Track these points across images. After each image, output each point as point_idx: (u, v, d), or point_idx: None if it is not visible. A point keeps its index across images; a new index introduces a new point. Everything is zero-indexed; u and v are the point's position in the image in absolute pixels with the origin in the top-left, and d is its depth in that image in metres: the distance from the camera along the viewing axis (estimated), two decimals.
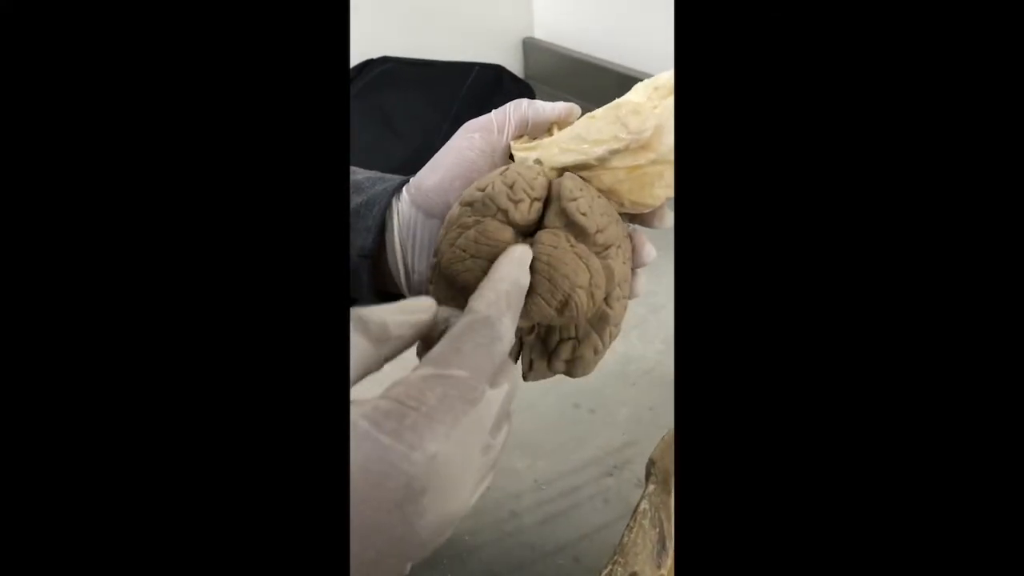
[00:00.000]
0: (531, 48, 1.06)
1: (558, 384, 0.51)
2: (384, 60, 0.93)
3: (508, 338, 0.27)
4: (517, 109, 0.37)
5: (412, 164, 0.84)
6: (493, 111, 0.38)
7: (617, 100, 0.36)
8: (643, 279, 0.37)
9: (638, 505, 0.36)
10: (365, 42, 0.92)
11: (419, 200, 0.38)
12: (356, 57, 0.92)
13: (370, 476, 0.23)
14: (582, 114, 0.39)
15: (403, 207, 0.39)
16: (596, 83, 0.98)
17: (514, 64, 1.05)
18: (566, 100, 0.39)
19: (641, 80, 0.38)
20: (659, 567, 0.35)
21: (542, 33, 1.07)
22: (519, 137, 0.37)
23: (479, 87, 0.91)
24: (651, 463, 0.39)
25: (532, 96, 0.92)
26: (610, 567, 0.35)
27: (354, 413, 0.24)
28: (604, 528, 0.46)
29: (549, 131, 0.38)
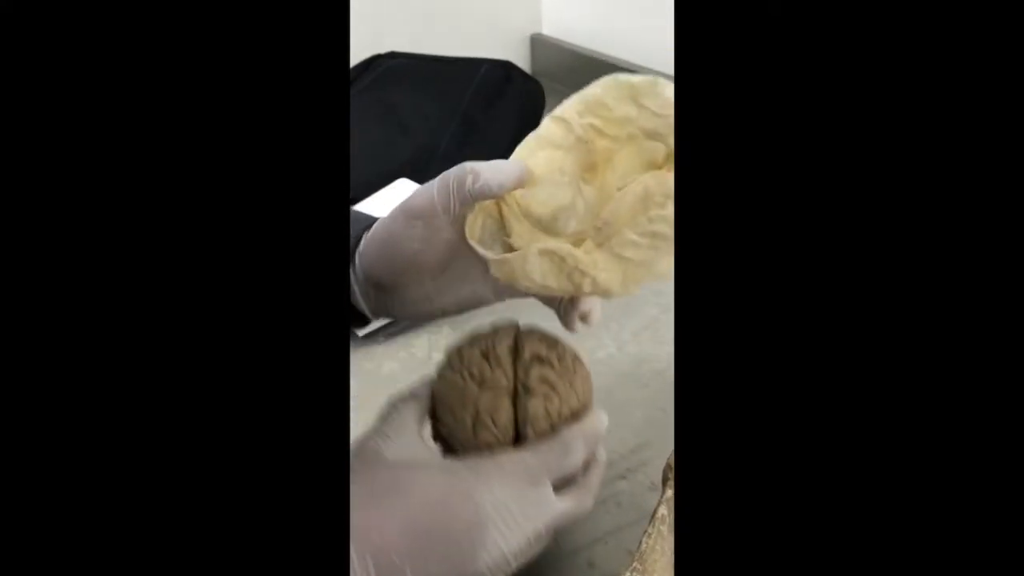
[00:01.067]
0: (539, 44, 1.06)
1: None
2: (391, 55, 0.93)
3: (576, 457, 0.35)
4: (461, 188, 0.35)
5: (417, 162, 0.83)
6: (436, 187, 0.36)
7: (562, 246, 0.35)
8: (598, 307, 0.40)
9: (656, 511, 0.35)
10: (372, 37, 0.91)
11: (372, 278, 0.39)
12: (363, 52, 0.91)
13: (444, 501, 0.31)
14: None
15: (359, 274, 0.39)
16: None
17: (522, 60, 1.05)
18: (572, 96, 0.38)
19: (649, 74, 0.38)
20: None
21: (550, 29, 1.06)
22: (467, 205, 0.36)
23: (488, 84, 0.90)
24: (668, 468, 0.38)
25: (541, 93, 0.91)
26: (628, 573, 0.34)
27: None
28: (617, 532, 0.45)
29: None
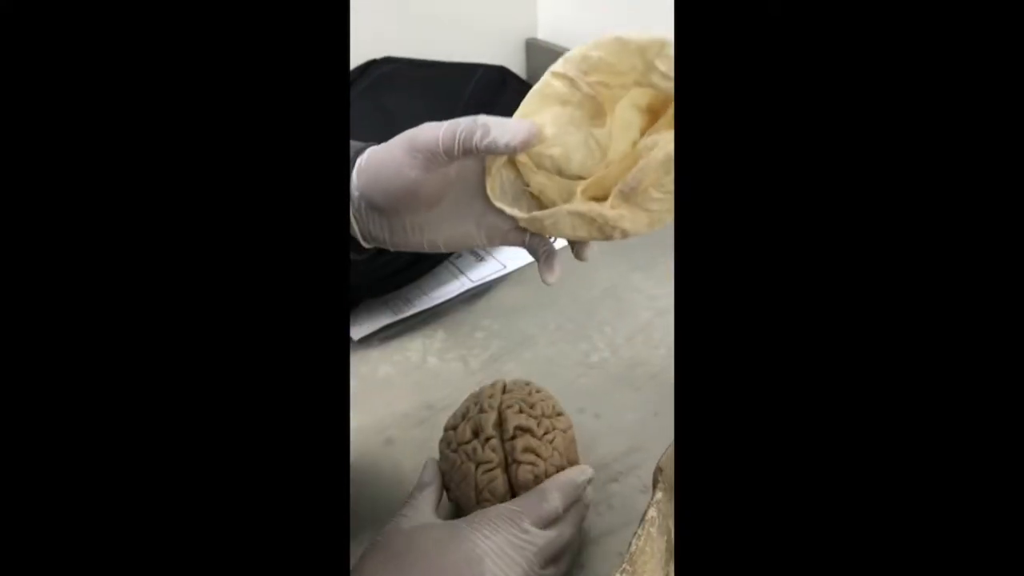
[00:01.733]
0: (534, 49, 1.06)
1: (563, 388, 0.50)
2: (388, 61, 0.93)
3: (554, 505, 0.41)
4: (468, 140, 0.36)
5: None
6: (443, 131, 0.37)
7: (589, 205, 0.37)
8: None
9: (646, 512, 0.36)
10: (368, 42, 0.92)
11: (366, 196, 0.39)
12: (359, 58, 0.92)
13: (447, 547, 0.38)
14: None
15: (353, 192, 0.40)
16: None
17: (517, 65, 1.05)
18: (571, 52, 0.38)
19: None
20: (667, 575, 0.35)
21: (545, 34, 1.07)
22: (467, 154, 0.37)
23: (483, 89, 0.91)
24: (658, 471, 0.38)
25: None
26: (618, 574, 0.35)
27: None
28: (609, 534, 0.46)
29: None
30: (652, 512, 0.35)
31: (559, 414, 0.45)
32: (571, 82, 0.37)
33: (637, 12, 0.93)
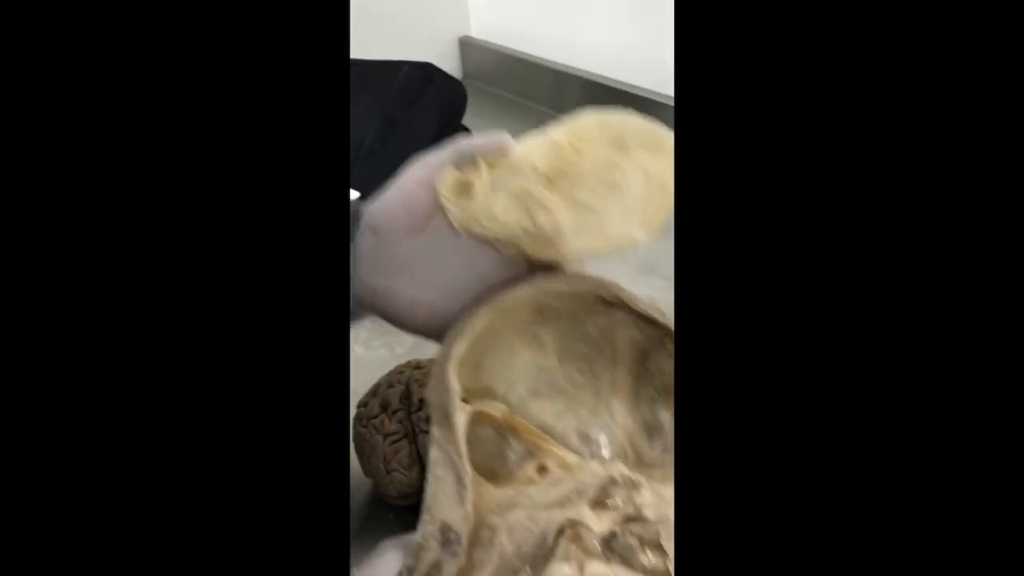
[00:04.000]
0: (467, 47, 1.08)
1: None
2: None
3: None
4: (455, 148, 0.39)
5: None
6: (437, 152, 0.39)
7: (528, 179, 0.37)
8: None
9: (428, 456, 0.36)
10: None
11: (367, 222, 0.40)
12: None
13: None
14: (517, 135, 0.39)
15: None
16: (532, 80, 0.99)
17: (451, 62, 1.07)
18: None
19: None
20: (462, 503, 0.34)
21: (478, 32, 1.09)
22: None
23: (409, 85, 0.93)
24: (425, 404, 0.38)
25: (463, 93, 0.94)
26: (421, 528, 0.34)
27: None
28: None
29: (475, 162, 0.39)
30: (434, 452, 0.35)
31: None
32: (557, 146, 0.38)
33: (565, 10, 0.95)
